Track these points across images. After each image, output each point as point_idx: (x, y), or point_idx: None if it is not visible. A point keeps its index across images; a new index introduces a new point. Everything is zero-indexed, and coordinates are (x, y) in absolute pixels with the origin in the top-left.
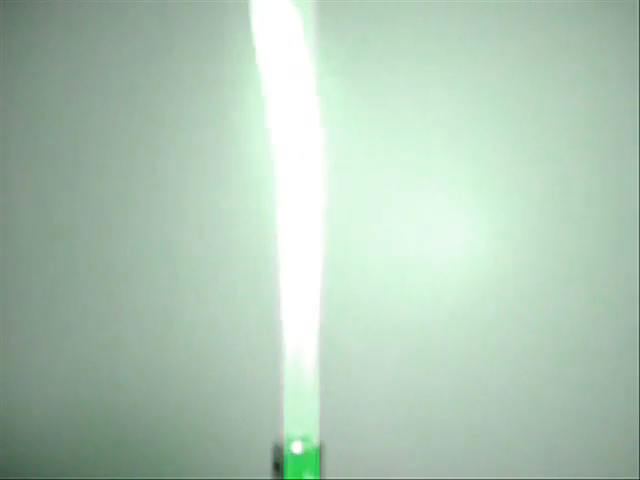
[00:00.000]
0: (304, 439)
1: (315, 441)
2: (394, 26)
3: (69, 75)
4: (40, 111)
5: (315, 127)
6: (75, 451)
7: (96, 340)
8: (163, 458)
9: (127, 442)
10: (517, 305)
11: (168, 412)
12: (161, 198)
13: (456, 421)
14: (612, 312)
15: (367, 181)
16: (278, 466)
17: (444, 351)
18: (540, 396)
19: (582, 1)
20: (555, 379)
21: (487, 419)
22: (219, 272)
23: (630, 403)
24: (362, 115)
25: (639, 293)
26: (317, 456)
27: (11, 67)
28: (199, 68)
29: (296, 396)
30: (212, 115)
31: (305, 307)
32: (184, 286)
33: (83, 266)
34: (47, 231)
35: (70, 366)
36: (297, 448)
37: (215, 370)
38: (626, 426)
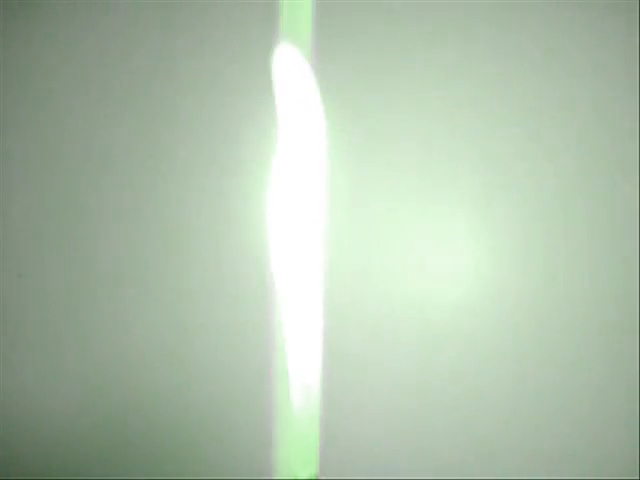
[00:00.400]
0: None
1: (314, 476)
2: (400, 27)
3: (82, 73)
4: (53, 111)
5: (320, 131)
6: (85, 454)
7: (105, 343)
8: (167, 460)
9: (135, 446)
10: (520, 313)
11: (171, 416)
12: (169, 201)
13: (458, 426)
14: (617, 322)
15: (370, 190)
16: None
17: (450, 360)
18: (540, 397)
19: (582, 1)
20: (556, 379)
21: (489, 420)
22: (226, 276)
23: (630, 403)
24: (367, 123)
25: None
26: None
27: (18, 66)
28: (209, 72)
29: (294, 433)
30: (225, 119)
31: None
32: (192, 290)
33: (92, 269)
34: (57, 235)
35: (79, 368)
36: None
37: (211, 379)
38: (626, 426)
